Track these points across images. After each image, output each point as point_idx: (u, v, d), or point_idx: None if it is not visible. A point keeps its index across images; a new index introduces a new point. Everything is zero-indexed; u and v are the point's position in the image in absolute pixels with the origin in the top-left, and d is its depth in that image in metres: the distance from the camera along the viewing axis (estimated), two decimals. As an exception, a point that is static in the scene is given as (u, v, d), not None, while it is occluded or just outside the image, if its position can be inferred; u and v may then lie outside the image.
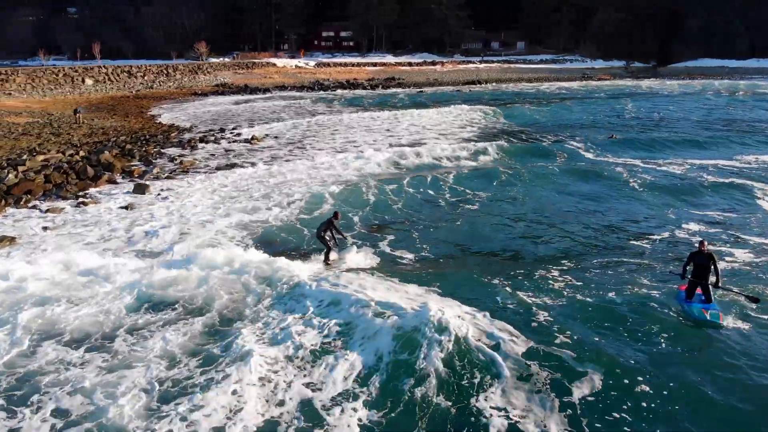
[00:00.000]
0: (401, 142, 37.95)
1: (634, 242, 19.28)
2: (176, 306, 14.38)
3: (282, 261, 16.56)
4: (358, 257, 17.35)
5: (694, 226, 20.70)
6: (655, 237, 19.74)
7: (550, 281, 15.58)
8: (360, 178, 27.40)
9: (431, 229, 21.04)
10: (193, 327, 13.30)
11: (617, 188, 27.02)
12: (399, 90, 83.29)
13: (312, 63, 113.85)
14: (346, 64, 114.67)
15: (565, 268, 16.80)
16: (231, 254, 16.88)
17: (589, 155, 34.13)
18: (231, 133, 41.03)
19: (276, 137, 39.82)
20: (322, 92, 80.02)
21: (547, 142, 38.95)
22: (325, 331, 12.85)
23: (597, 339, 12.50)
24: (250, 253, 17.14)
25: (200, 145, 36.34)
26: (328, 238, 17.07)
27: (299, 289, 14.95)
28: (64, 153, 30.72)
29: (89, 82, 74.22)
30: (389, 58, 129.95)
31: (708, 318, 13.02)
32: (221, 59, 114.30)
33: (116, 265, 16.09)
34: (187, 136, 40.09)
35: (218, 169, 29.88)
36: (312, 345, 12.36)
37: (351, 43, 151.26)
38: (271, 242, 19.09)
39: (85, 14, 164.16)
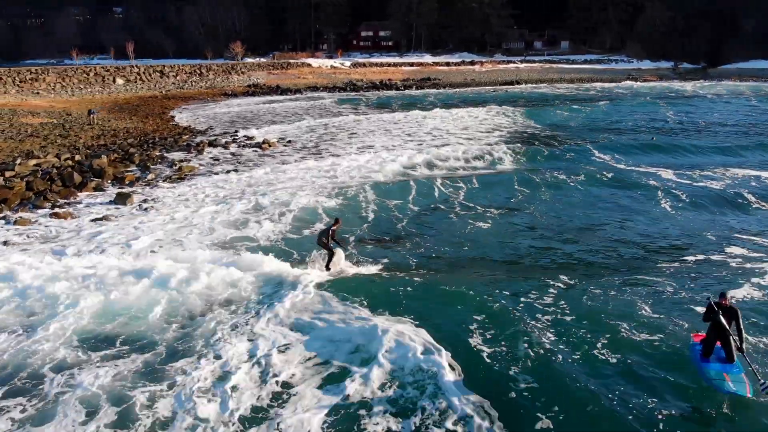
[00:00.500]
0: (419, 147, 35.72)
1: (662, 264, 16.74)
2: (116, 338, 12.67)
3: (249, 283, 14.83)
4: (348, 268, 16.45)
5: (734, 250, 17.93)
6: (686, 259, 17.17)
7: (551, 306, 13.35)
8: (363, 184, 25.33)
9: (432, 243, 18.99)
10: (131, 364, 11.61)
11: (647, 200, 24.36)
12: (432, 91, 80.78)
13: (347, 63, 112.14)
14: (382, 64, 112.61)
15: (572, 291, 14.52)
16: (192, 274, 15.19)
17: (621, 164, 31.20)
18: (244, 136, 39.39)
19: (290, 141, 37.98)
20: (353, 93, 78.07)
21: (577, 148, 36.10)
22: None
23: (591, 388, 10.25)
24: (216, 274, 15.38)
25: (208, 149, 34.71)
26: (331, 244, 16.28)
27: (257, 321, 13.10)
28: (59, 157, 29.46)
29: (120, 81, 73.90)
30: (427, 58, 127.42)
31: (729, 387, 10.07)
32: (257, 59, 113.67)
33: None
34: (198, 139, 38.58)
35: (216, 176, 28.18)
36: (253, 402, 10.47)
37: (390, 43, 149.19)
38: (252, 266, 16.95)
39: (130, 14, 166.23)
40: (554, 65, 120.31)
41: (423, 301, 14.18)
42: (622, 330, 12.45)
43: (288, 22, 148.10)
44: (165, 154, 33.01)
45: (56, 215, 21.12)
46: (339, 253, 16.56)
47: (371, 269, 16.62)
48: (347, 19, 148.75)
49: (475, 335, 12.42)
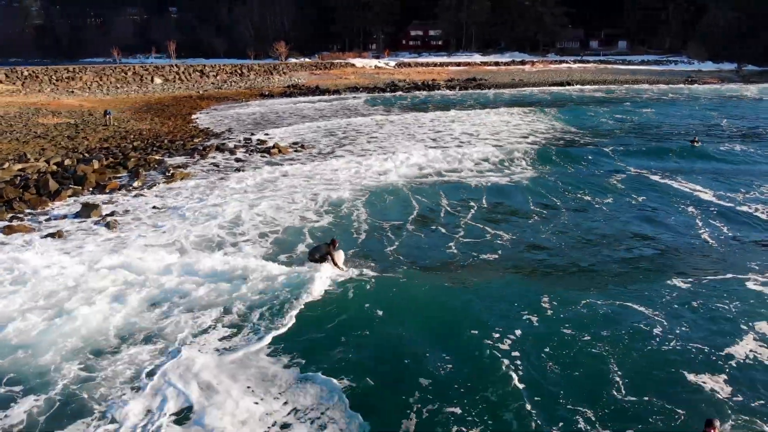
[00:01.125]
0: (441, 153, 32.82)
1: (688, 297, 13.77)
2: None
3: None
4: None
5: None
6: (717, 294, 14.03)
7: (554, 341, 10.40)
8: (355, 199, 22.66)
9: (442, 258, 16.38)
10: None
11: (678, 215, 21.07)
12: (476, 92, 77.42)
13: (392, 63, 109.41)
14: (427, 64, 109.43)
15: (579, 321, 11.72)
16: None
17: (656, 176, 27.66)
18: (258, 140, 37.14)
19: (303, 146, 35.33)
20: (391, 94, 75.40)
21: (614, 155, 32.65)
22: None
23: None
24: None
25: (212, 154, 32.51)
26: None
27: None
28: (49, 162, 27.83)
29: (158, 81, 73.17)
30: (476, 58, 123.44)
31: None
32: (302, 60, 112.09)
33: None
34: (210, 142, 36.52)
35: (210, 184, 25.97)
36: None
37: (439, 42, 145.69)
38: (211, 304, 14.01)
39: (184, 14, 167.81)
40: (609, 66, 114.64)
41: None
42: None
43: (336, 22, 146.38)
44: (165, 159, 31.01)
45: (9, 229, 19.15)
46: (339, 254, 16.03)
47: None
48: (396, 19, 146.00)
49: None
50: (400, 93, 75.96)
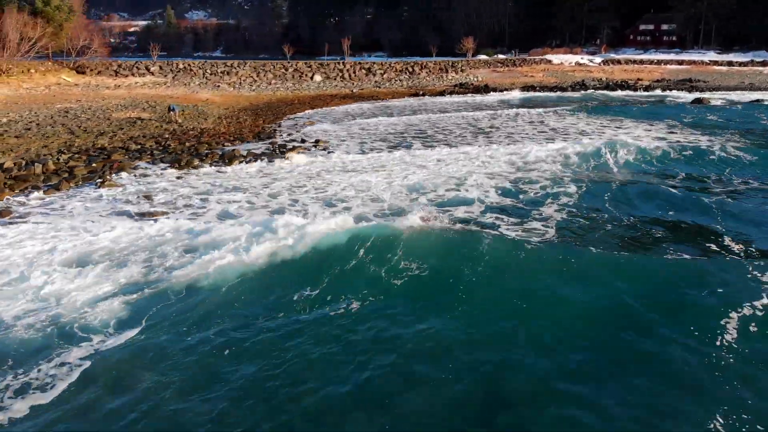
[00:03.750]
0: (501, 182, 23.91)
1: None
2: None
3: None
4: None
5: None
6: None
7: None
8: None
9: None
10: None
11: None
12: (670, 93, 64.00)
13: (598, 60, 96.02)
14: (642, 62, 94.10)
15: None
16: None
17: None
18: (302, 138, 31.66)
19: (330, 151, 29.04)
20: (571, 92, 65.39)
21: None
22: None
23: None
24: None
25: (208, 165, 27.57)
26: None
27: None
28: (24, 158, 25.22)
29: (318, 78, 71.05)
30: (711, 56, 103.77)
31: None
32: (496, 56, 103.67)
33: None
34: (242, 147, 31.82)
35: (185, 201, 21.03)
36: None
37: (672, 38, 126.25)
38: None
39: (408, 13, 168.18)
40: None
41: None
42: None
43: (557, 16, 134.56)
44: (150, 166, 26.92)
45: None
46: None
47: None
48: (624, 12, 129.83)
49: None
50: (582, 92, 65.75)
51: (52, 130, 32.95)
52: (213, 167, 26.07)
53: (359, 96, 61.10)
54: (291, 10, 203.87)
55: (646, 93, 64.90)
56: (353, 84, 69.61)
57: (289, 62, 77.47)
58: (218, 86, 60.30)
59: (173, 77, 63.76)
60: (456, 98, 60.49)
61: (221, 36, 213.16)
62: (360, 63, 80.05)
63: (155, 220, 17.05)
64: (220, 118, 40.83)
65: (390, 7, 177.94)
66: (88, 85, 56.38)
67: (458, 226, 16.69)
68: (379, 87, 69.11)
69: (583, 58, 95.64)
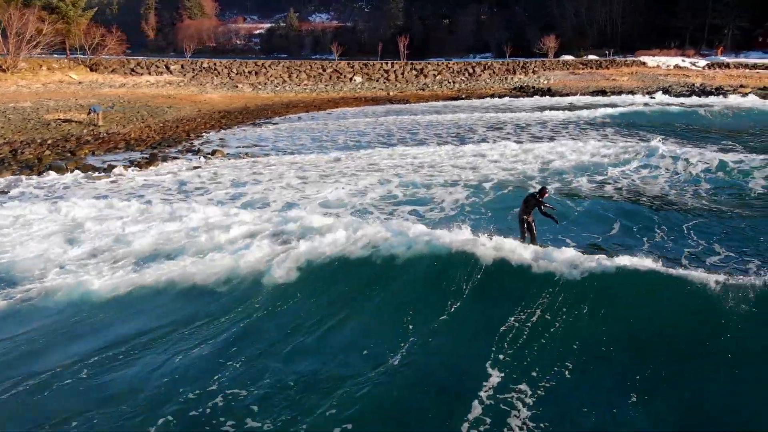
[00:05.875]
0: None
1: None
2: None
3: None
4: None
5: None
6: None
7: None
8: None
9: None
10: None
11: None
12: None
13: (702, 63, 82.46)
14: (756, 66, 79.50)
15: None
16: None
17: None
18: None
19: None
20: (638, 99, 55.08)
21: None
22: None
23: None
24: None
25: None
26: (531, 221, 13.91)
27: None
28: None
29: (358, 79, 65.25)
30: None
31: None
32: (586, 56, 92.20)
33: None
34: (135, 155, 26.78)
35: None
36: None
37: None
38: None
39: (517, 12, 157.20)
40: None
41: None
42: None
43: (679, 15, 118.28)
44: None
45: None
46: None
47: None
48: (755, 12, 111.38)
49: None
50: (656, 99, 55.06)
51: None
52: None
53: (386, 99, 54.64)
54: (405, 12, 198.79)
55: (734, 101, 52.63)
56: (396, 86, 62.99)
57: (330, 62, 72.34)
58: (237, 86, 56.17)
59: (192, 76, 60.62)
60: (497, 101, 52.44)
61: (338, 38, 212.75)
62: (413, 63, 73.10)
63: None
64: (170, 121, 36.18)
65: (503, 6, 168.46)
66: (91, 83, 54.35)
67: None
68: (424, 90, 62.13)
69: (685, 61, 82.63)
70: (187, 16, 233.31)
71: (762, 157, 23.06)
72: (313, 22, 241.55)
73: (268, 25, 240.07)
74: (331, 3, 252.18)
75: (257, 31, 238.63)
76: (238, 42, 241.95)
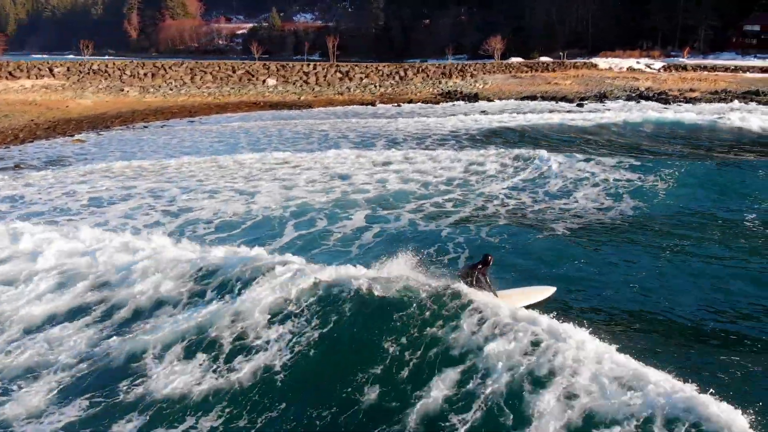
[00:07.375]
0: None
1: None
2: None
3: None
4: None
5: None
6: None
7: None
8: None
9: None
10: None
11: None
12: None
13: (658, 65, 77.83)
14: (715, 68, 74.96)
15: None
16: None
17: None
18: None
19: None
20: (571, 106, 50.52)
21: None
22: None
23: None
24: None
25: None
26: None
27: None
28: None
29: (271, 82, 60.72)
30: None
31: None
32: (538, 59, 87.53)
33: None
34: None
35: None
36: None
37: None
38: None
39: (494, 13, 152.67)
40: None
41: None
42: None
43: (650, 16, 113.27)
44: None
45: None
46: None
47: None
48: (726, 12, 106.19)
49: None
50: (595, 105, 50.80)
51: None
52: None
53: (291, 103, 50.21)
54: (384, 12, 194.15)
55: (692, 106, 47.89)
56: (313, 90, 58.52)
57: (243, 63, 67.89)
58: (123, 90, 51.70)
59: (78, 80, 56.13)
60: (407, 107, 48.14)
61: (320, 39, 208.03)
62: (338, 66, 68.52)
63: None
64: None
65: (483, 7, 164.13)
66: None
67: None
68: (342, 94, 57.53)
69: (639, 63, 78.52)
70: (169, 16, 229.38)
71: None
72: (296, 22, 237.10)
73: (251, 25, 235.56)
74: (317, 3, 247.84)
75: (240, 32, 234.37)
76: (221, 42, 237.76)
